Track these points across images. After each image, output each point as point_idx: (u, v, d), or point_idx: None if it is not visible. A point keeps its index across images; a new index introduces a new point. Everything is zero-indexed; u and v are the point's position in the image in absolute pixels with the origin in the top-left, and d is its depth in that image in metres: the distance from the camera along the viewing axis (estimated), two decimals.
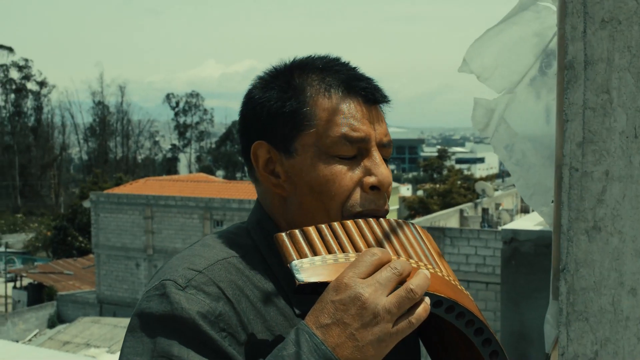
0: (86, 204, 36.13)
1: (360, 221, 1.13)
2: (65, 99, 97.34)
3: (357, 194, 1.19)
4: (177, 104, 79.40)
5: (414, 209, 46.59)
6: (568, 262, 1.46)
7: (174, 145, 79.94)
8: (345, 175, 1.18)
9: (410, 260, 1.11)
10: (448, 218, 22.92)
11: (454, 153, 73.94)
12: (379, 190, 1.20)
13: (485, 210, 24.67)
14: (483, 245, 15.37)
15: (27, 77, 73.84)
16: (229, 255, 1.19)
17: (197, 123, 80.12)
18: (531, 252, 4.98)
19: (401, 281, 1.03)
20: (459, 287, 1.14)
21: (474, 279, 15.48)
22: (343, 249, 1.08)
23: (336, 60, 1.25)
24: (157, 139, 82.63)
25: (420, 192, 55.82)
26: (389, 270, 1.02)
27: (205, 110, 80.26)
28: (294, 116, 1.19)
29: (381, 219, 1.17)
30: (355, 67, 1.26)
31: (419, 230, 1.21)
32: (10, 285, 35.79)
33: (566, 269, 1.46)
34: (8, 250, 41.58)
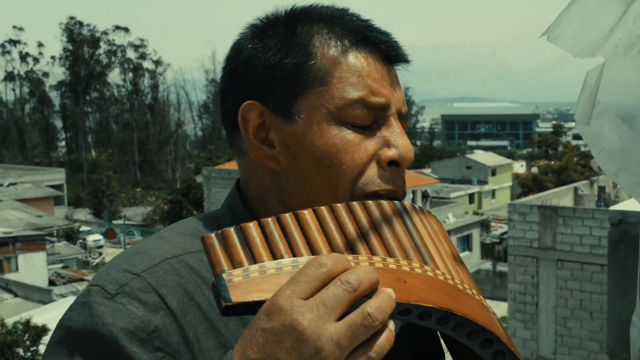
0: (199, 178, 37.24)
1: (347, 206, 0.89)
2: (180, 77, 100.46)
3: (372, 170, 0.98)
4: None
5: (527, 186, 45.44)
6: None
7: None
8: (358, 146, 0.97)
9: (394, 262, 0.85)
10: (561, 196, 22.01)
11: (570, 128, 71.08)
12: (398, 167, 1.00)
13: (601, 189, 23.52)
14: (598, 225, 14.68)
15: (143, 57, 76.93)
16: (184, 252, 0.98)
17: None
18: None
19: (363, 297, 0.77)
20: (466, 290, 0.90)
21: (588, 261, 14.85)
22: (294, 252, 0.82)
23: (346, 10, 1.03)
24: None
25: (534, 169, 54.33)
26: (338, 287, 0.75)
27: None
28: (298, 70, 0.98)
29: (383, 201, 0.93)
30: (368, 19, 1.04)
31: (430, 220, 0.98)
32: None
33: None
34: (128, 222, 43.39)
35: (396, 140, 0.99)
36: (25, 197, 37.55)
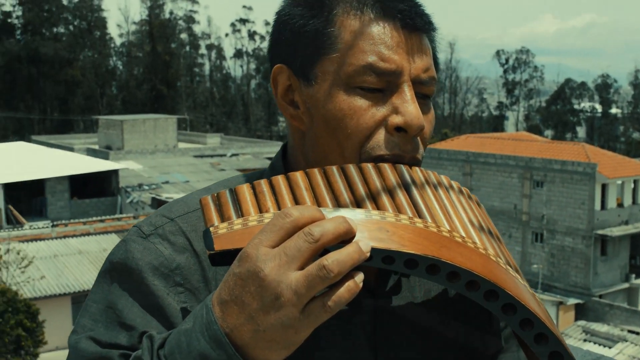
0: None
1: (357, 167, 0.94)
2: None
3: (379, 135, 1.01)
4: (507, 60, 77.98)
5: None
6: None
7: (501, 103, 78.92)
8: (366, 111, 1.01)
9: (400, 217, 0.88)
10: None
11: None
12: (406, 133, 1.01)
13: None
14: None
15: None
16: None
17: (527, 80, 78.06)
18: None
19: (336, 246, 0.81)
20: (510, 271, 0.91)
21: None
22: (281, 208, 0.87)
23: None
24: (484, 96, 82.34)
25: None
26: (300, 238, 0.80)
27: (535, 67, 77.84)
28: (317, 37, 1.03)
29: (383, 164, 0.97)
30: None
31: (454, 194, 1.01)
32: None
33: None
34: None
35: (404, 107, 1.01)
36: (245, 168, 39.89)
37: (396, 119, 1.01)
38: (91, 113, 62.11)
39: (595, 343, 21.86)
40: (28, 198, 31.10)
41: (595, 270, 30.75)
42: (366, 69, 1.00)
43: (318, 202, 0.90)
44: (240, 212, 0.88)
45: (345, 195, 0.91)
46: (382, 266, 0.85)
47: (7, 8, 67.25)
